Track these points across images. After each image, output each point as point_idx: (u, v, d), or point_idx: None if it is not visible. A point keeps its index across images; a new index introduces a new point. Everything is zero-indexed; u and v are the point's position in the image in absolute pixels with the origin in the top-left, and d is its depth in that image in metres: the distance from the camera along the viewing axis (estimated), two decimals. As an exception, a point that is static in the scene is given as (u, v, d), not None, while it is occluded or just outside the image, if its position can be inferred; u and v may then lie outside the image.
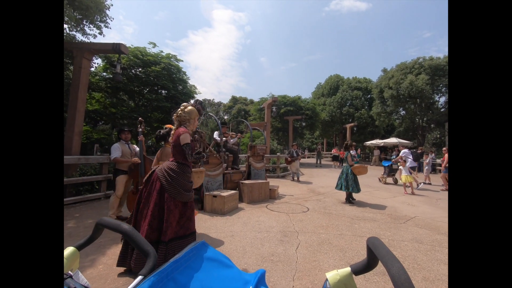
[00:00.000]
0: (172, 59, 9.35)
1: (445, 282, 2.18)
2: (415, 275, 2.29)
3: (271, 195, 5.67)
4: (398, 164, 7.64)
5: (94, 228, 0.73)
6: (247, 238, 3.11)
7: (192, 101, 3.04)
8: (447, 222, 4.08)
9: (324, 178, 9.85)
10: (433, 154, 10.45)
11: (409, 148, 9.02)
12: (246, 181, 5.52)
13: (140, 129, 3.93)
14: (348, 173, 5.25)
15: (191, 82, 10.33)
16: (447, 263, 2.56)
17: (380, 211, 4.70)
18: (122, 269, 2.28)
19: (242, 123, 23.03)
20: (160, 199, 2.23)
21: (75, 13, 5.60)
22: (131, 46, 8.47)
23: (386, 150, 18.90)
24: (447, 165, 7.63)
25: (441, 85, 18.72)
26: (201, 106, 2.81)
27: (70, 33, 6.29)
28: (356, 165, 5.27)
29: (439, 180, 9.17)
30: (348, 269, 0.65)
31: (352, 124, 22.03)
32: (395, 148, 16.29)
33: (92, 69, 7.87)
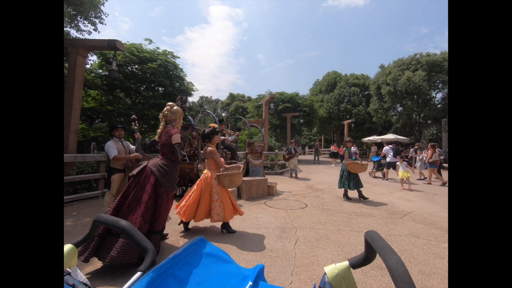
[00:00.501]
0: (168, 56, 9.27)
1: (441, 276, 2.21)
2: (411, 269, 2.33)
3: (269, 192, 5.69)
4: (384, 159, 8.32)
5: (92, 225, 0.73)
6: (245, 235, 3.12)
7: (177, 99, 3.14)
8: (444, 217, 4.14)
9: (322, 175, 9.91)
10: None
11: (392, 144, 9.26)
12: (245, 178, 5.53)
13: (136, 127, 3.90)
14: (345, 170, 5.27)
15: (188, 79, 10.27)
16: (443, 257, 2.60)
17: (377, 206, 4.74)
18: (120, 266, 2.28)
19: (240, 120, 23.00)
20: (154, 192, 2.36)
21: (69, 9, 5.50)
22: (127, 43, 8.37)
23: (383, 146, 19.02)
24: (430, 160, 7.99)
25: (438, 81, 18.80)
26: (182, 101, 3.02)
27: (64, 29, 6.19)
28: (350, 161, 5.20)
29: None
30: (346, 263, 0.66)
31: (349, 120, 22.09)
32: (392, 144, 16.40)
33: (87, 66, 7.77)
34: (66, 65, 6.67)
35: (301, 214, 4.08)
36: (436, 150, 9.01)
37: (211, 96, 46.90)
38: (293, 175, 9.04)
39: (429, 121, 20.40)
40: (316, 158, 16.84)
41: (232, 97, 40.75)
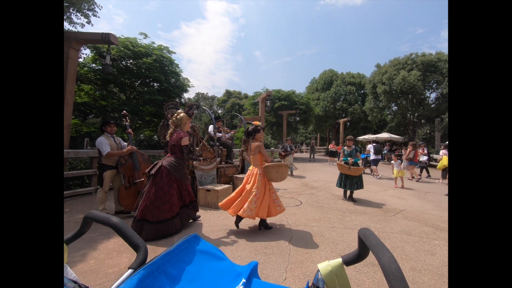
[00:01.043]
0: (164, 51, 9.12)
1: (431, 272, 2.26)
2: (403, 265, 2.37)
3: (264, 189, 5.70)
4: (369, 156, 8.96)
5: (82, 221, 0.71)
6: (240, 231, 3.13)
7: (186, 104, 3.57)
8: (435, 214, 4.22)
9: (317, 173, 9.98)
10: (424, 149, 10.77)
11: (376, 143, 9.63)
12: (240, 175, 5.52)
13: (127, 123, 3.84)
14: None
15: (184, 75, 10.13)
16: (434, 254, 2.66)
17: (371, 204, 4.81)
18: (113, 264, 2.27)
19: (236, 117, 22.90)
20: (170, 181, 2.96)
21: (61, 0, 5.34)
22: (121, 37, 8.20)
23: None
24: (410, 157, 8.14)
25: (432, 81, 19.05)
26: (191, 108, 3.67)
27: (56, 21, 6.01)
28: (340, 161, 5.03)
29: (435, 173, 9.43)
30: (340, 260, 0.66)
31: (345, 119, 22.26)
32: (386, 143, 16.61)
33: (80, 60, 7.60)
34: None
35: (296, 212, 4.11)
36: (424, 149, 9.26)
37: (207, 93, 46.64)
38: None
39: (422, 121, 20.70)
40: (312, 156, 16.93)
41: (228, 94, 40.53)
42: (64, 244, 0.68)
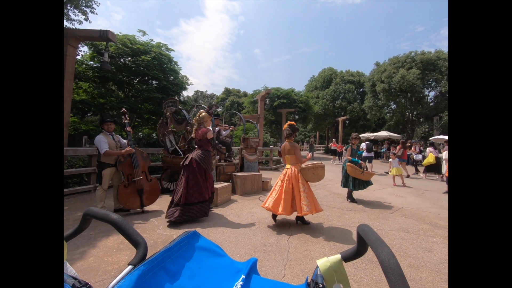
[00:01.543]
0: (163, 49, 9.06)
1: (429, 269, 2.28)
2: (401, 262, 2.39)
3: (264, 187, 5.72)
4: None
5: (81, 218, 0.71)
6: (239, 229, 3.14)
7: (207, 106, 4.37)
8: (433, 212, 4.25)
9: (316, 171, 9.99)
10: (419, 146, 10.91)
11: (368, 141, 9.83)
12: (239, 173, 5.53)
13: (126, 120, 3.82)
14: (344, 168, 4.90)
15: (183, 72, 10.09)
16: (431, 251, 2.68)
17: (369, 202, 4.83)
18: (112, 261, 2.27)
19: (235, 115, 22.86)
20: (200, 171, 3.42)
21: (58, -3, 5.29)
22: (120, 34, 8.14)
23: (377, 143, 19.31)
24: (398, 154, 8.11)
25: (431, 80, 19.06)
26: (210, 108, 4.21)
27: (54, 18, 5.95)
28: (351, 163, 4.71)
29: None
30: (338, 256, 0.66)
31: (344, 117, 22.27)
32: (385, 141, 16.67)
33: (78, 57, 7.54)
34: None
35: (295, 209, 4.12)
36: (416, 147, 9.39)
37: (206, 91, 46.42)
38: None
39: (421, 119, 20.75)
40: (311, 155, 16.92)
41: (227, 92, 40.44)
42: (64, 241, 0.68)
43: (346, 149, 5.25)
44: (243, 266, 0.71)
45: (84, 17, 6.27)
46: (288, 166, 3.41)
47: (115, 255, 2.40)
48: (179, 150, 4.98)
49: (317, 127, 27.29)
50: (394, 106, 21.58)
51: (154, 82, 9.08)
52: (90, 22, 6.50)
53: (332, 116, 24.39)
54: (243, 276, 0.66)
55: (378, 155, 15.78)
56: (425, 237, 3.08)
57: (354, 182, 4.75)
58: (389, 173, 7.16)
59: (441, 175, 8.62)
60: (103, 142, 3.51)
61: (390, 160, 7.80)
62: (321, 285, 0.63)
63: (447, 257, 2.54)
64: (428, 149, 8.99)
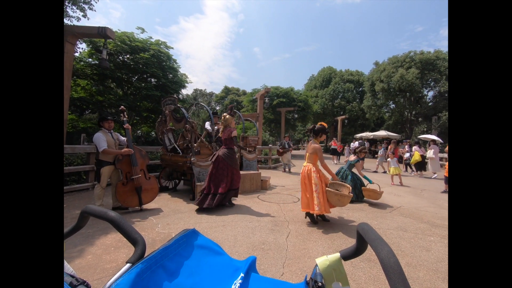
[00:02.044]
0: (161, 46, 9.02)
1: (426, 268, 2.30)
2: (399, 261, 2.40)
3: (262, 186, 5.72)
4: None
5: (79, 216, 0.71)
6: (238, 228, 3.14)
7: (228, 109, 4.88)
8: (430, 211, 4.27)
9: (314, 170, 10.01)
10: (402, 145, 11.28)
11: (360, 140, 9.88)
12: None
13: (125, 118, 3.80)
14: (351, 179, 4.82)
15: (182, 70, 10.10)
16: (429, 249, 2.70)
17: (368, 201, 4.84)
18: (111, 259, 2.27)
19: (234, 114, 22.82)
20: (226, 167, 3.95)
21: (56, -7, 5.24)
22: (118, 31, 8.08)
23: (375, 143, 19.37)
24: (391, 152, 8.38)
25: (430, 80, 19.12)
26: (231, 109, 4.87)
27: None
28: (368, 188, 4.60)
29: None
30: (338, 254, 0.66)
31: (343, 116, 22.30)
32: (384, 140, 16.70)
33: (77, 54, 7.49)
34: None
35: (293, 208, 4.13)
36: (406, 147, 9.56)
37: (205, 89, 46.28)
38: (287, 169, 9.10)
39: (420, 119, 20.81)
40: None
41: (227, 90, 40.31)
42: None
43: (355, 163, 4.97)
44: (242, 265, 0.71)
45: (82, 13, 6.22)
46: (305, 163, 3.50)
47: (113, 253, 2.39)
48: (178, 148, 4.96)
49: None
50: (393, 105, 21.63)
51: (153, 80, 9.04)
52: (88, 19, 6.46)
53: (331, 115, 24.42)
54: (242, 275, 0.65)
55: (375, 154, 15.80)
56: (422, 236, 3.10)
57: (357, 190, 4.77)
58: (388, 172, 7.20)
59: (420, 172, 9.05)
60: (101, 140, 3.49)
61: (389, 159, 7.82)
62: (320, 284, 0.63)
63: (444, 256, 2.56)
64: (413, 147, 9.18)
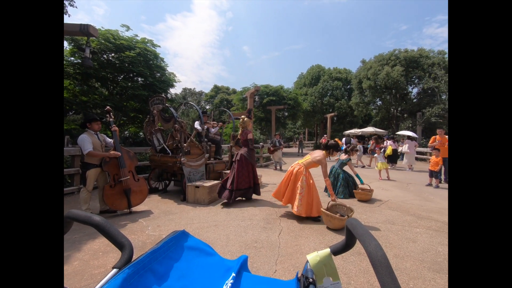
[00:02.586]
0: (148, 44, 8.77)
1: (413, 258, 2.38)
2: (387, 253, 2.47)
3: (254, 184, 5.71)
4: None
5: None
6: (230, 227, 3.13)
7: (245, 112, 4.92)
8: (416, 204, 4.43)
9: (305, 167, 10.13)
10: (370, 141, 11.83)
11: (346, 137, 10.44)
12: (229, 171, 5.50)
13: (111, 119, 3.69)
14: (342, 178, 4.93)
15: (170, 69, 9.87)
16: (415, 241, 2.80)
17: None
18: (99, 264, 2.20)
19: (224, 113, 22.69)
20: (247, 165, 4.38)
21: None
22: (102, 29, 7.79)
23: (364, 139, 19.85)
24: (371, 148, 9.09)
25: (414, 77, 19.75)
26: (249, 112, 5.35)
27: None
28: (360, 190, 4.67)
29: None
30: (328, 250, 0.67)
31: (332, 114, 22.67)
32: (371, 137, 17.14)
33: (57, 52, 7.15)
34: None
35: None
36: (385, 142, 10.09)
37: (194, 88, 45.70)
38: (278, 167, 9.15)
39: (405, 115, 21.49)
40: (300, 151, 17.16)
41: (216, 89, 39.94)
42: None
43: (346, 162, 5.07)
44: (233, 264, 0.71)
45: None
46: (300, 161, 3.61)
47: (101, 258, 2.32)
48: (167, 149, 4.87)
49: (306, 124, 27.64)
50: (380, 102, 22.20)
51: (139, 79, 8.80)
52: (69, 16, 6.19)
53: (320, 113, 24.76)
54: (233, 274, 0.65)
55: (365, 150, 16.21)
56: (409, 228, 3.21)
57: (349, 188, 4.89)
58: (376, 167, 7.40)
59: (392, 165, 9.74)
60: (87, 141, 3.36)
61: (375, 155, 8.03)
62: (311, 280, 0.64)
63: (430, 246, 2.66)
64: (387, 142, 9.79)
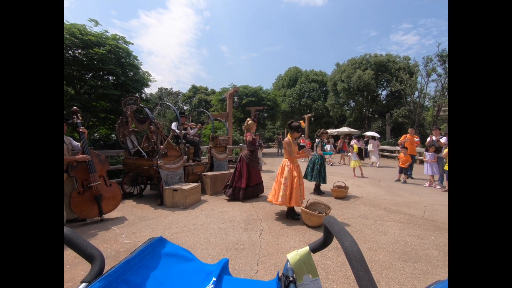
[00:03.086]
0: (120, 41, 8.29)
1: (385, 250, 2.55)
2: (362, 246, 2.62)
3: (234, 186, 5.68)
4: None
5: None
6: (210, 230, 3.07)
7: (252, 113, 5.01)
8: (387, 199, 4.74)
9: (285, 167, 10.32)
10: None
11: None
12: (209, 173, 5.41)
13: (79, 120, 3.43)
14: (316, 163, 5.12)
15: (144, 68, 9.40)
16: (386, 233, 2.99)
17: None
18: (66, 279, 2.02)
19: (203, 114, 22.23)
20: (247, 167, 4.63)
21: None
22: (67, 23, 7.21)
23: (338, 139, 20.78)
24: (339, 147, 10.28)
25: (383, 80, 21.18)
26: (256, 116, 5.26)
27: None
28: (336, 188, 4.92)
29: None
30: (307, 248, 0.69)
31: (310, 114, 23.37)
32: (346, 136, 18.01)
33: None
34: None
35: (265, 206, 4.20)
36: (355, 141, 11.00)
37: (171, 88, 44.18)
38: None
39: (376, 116, 22.95)
40: (280, 151, 17.43)
41: (194, 89, 39.04)
42: None
43: (317, 145, 5.39)
44: (213, 268, 0.70)
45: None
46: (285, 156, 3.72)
47: (69, 271, 2.14)
48: (142, 151, 4.64)
49: (285, 125, 28.14)
50: (353, 104, 23.45)
51: (110, 77, 8.26)
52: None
53: (298, 114, 25.44)
54: (214, 279, 0.64)
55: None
56: (381, 221, 3.43)
57: (323, 174, 5.09)
58: (350, 165, 7.81)
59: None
60: None
61: (349, 154, 8.46)
62: (291, 278, 0.65)
63: (399, 237, 2.87)
64: (353, 141, 10.61)
